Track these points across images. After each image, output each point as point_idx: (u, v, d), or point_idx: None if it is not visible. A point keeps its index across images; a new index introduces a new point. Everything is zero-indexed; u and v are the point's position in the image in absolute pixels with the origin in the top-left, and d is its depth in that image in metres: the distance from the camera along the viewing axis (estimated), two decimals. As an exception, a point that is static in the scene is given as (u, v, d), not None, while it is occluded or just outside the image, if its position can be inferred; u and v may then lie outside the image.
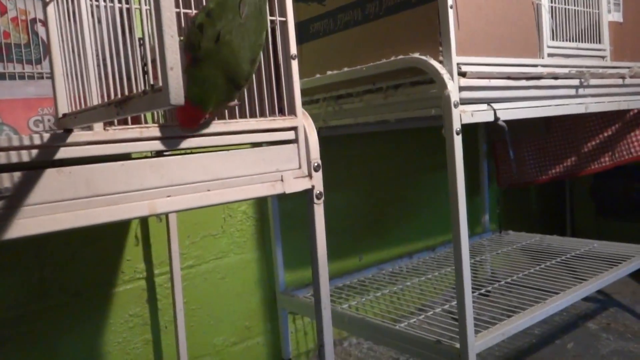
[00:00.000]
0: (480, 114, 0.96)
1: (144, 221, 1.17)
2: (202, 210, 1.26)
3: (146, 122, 0.65)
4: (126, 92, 0.50)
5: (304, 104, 0.78)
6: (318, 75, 1.15)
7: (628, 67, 1.28)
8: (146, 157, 0.64)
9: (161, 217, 1.19)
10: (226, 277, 1.31)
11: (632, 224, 2.05)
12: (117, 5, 0.53)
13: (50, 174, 0.55)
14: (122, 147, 0.60)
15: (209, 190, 0.66)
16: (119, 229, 1.14)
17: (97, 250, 1.11)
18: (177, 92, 0.36)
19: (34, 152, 0.55)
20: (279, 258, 1.36)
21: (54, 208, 0.55)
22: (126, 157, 0.62)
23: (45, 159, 0.56)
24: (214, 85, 0.61)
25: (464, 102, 0.93)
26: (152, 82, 0.40)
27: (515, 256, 1.60)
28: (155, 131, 0.62)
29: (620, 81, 1.27)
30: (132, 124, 0.62)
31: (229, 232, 1.32)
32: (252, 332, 1.36)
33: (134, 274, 1.16)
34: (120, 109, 0.45)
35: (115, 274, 1.14)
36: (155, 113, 0.78)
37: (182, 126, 0.64)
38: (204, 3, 0.68)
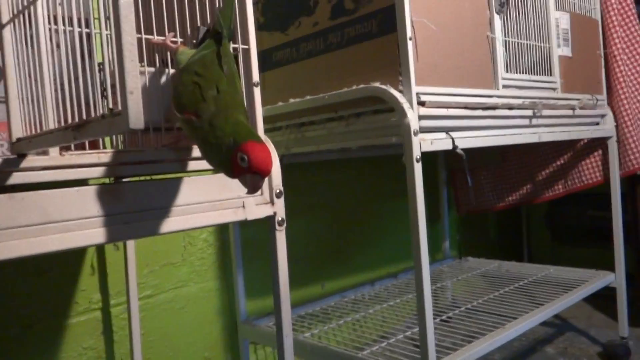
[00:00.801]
0: (439, 142, 0.98)
1: (100, 249, 1.14)
2: (162, 238, 1.23)
3: (104, 148, 0.64)
4: (84, 117, 0.49)
5: (266, 131, 0.79)
6: (281, 103, 1.16)
7: (577, 99, 1.34)
8: (103, 183, 0.62)
9: (118, 245, 1.15)
10: (186, 307, 1.28)
11: (585, 249, 2.11)
12: (77, 29, 0.52)
13: (1, 200, 0.53)
14: (78, 173, 0.58)
15: (168, 217, 0.65)
16: (74, 257, 1.11)
17: (49, 280, 1.07)
18: (136, 116, 0.36)
19: (-15, 177, 0.53)
20: (240, 287, 1.34)
21: (5, 235, 0.53)
22: (83, 183, 0.61)
23: (-3, 184, 0.54)
24: (237, 121, 0.59)
25: (424, 130, 0.95)
26: (111, 107, 0.39)
27: (475, 282, 1.62)
28: (113, 156, 0.61)
29: (570, 112, 1.33)
30: (90, 149, 0.61)
31: (189, 261, 1.29)
32: (212, 364, 1.32)
33: (89, 304, 1.12)
34: (77, 133, 0.44)
35: (69, 304, 1.09)
36: (114, 139, 0.77)
37: (268, 172, 0.57)
38: (167, 32, 0.68)
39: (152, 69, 0.66)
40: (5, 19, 0.57)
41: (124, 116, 0.36)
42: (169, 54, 0.70)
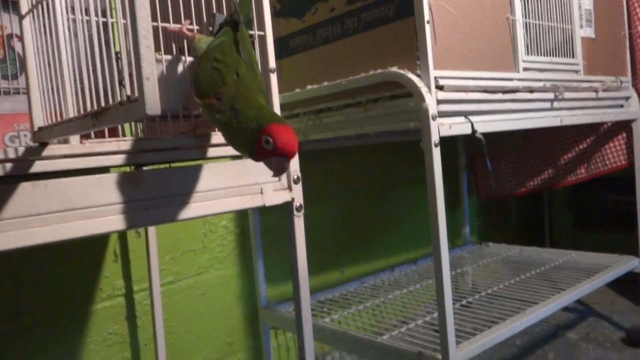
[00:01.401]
0: (458, 127, 0.97)
1: (122, 237, 1.16)
2: (182, 225, 1.25)
3: (124, 136, 0.65)
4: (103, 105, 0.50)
5: (284, 118, 0.79)
6: (298, 90, 1.16)
7: (601, 81, 1.32)
8: (124, 171, 0.63)
9: (140, 232, 1.17)
10: (207, 293, 1.30)
11: (609, 234, 2.08)
12: (94, 19, 0.53)
13: (24, 187, 0.54)
14: (99, 161, 0.59)
15: (187, 204, 0.66)
16: (97, 245, 1.13)
17: (74, 267, 1.09)
18: (153, 102, 0.36)
19: (8, 165, 0.54)
20: (260, 273, 1.35)
21: (29, 222, 0.54)
22: (104, 170, 0.62)
23: (20, 172, 0.55)
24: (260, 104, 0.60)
25: (442, 114, 0.94)
26: (128, 94, 0.39)
27: (496, 268, 1.61)
28: (133, 144, 0.62)
29: (593, 95, 1.30)
30: (110, 137, 0.62)
31: (209, 248, 1.31)
32: (233, 348, 1.34)
33: (113, 290, 1.14)
34: (96, 120, 0.44)
35: (93, 291, 1.12)
36: (133, 128, 0.78)
37: (293, 154, 0.57)
38: (183, 20, 0.69)
39: (169, 57, 0.66)
40: (24, 10, 0.58)
41: (140, 102, 0.37)
42: (185, 41, 0.70)
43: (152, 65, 0.36)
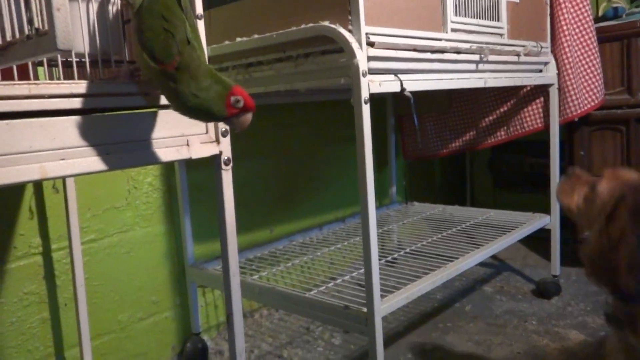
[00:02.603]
0: (388, 84, 0.98)
1: (38, 192, 1.09)
2: (104, 182, 1.20)
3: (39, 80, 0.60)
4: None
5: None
6: (227, 42, 1.12)
7: (522, 46, 1.36)
8: (36, 117, 0.59)
9: (58, 187, 1.11)
10: (132, 251, 1.26)
11: (524, 194, 2.21)
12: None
13: None
14: (6, 105, 0.55)
15: (107, 154, 0.62)
16: (9, 200, 1.06)
17: (-16, 224, 1.02)
18: (65, 36, 0.33)
19: None
20: (187, 230, 1.33)
21: None
22: (14, 116, 0.57)
23: None
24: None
25: (372, 72, 0.94)
26: (37, 26, 0.36)
27: (420, 225, 1.67)
28: (47, 88, 0.57)
29: (515, 58, 1.35)
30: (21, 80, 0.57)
31: (134, 205, 1.26)
32: (160, 307, 1.32)
33: (29, 249, 1.09)
34: (1, 56, 0.41)
35: (7, 249, 1.06)
36: (46, 73, 0.73)
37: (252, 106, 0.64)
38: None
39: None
40: None
41: (51, 36, 0.34)
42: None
43: (64, -6, 0.33)
